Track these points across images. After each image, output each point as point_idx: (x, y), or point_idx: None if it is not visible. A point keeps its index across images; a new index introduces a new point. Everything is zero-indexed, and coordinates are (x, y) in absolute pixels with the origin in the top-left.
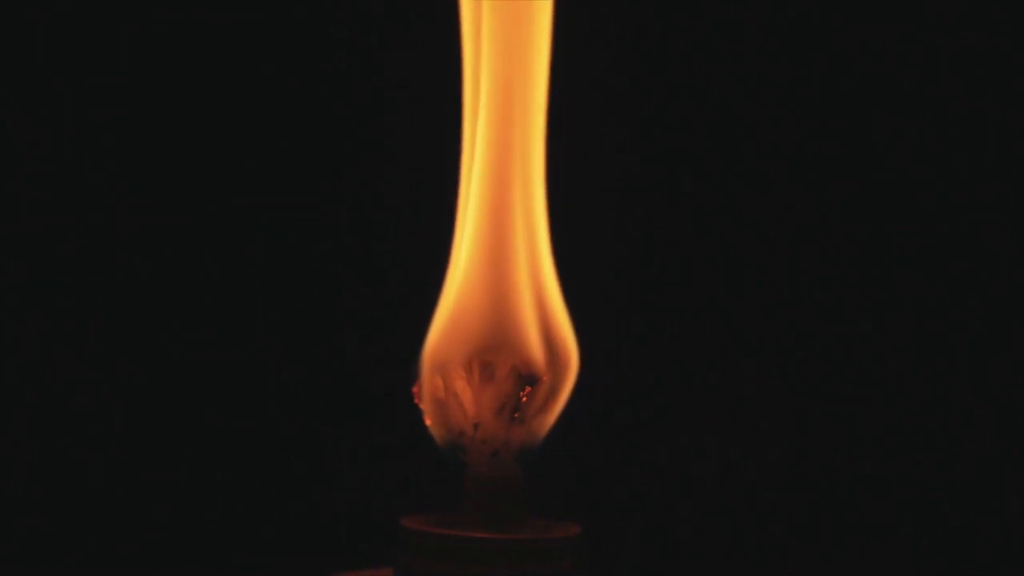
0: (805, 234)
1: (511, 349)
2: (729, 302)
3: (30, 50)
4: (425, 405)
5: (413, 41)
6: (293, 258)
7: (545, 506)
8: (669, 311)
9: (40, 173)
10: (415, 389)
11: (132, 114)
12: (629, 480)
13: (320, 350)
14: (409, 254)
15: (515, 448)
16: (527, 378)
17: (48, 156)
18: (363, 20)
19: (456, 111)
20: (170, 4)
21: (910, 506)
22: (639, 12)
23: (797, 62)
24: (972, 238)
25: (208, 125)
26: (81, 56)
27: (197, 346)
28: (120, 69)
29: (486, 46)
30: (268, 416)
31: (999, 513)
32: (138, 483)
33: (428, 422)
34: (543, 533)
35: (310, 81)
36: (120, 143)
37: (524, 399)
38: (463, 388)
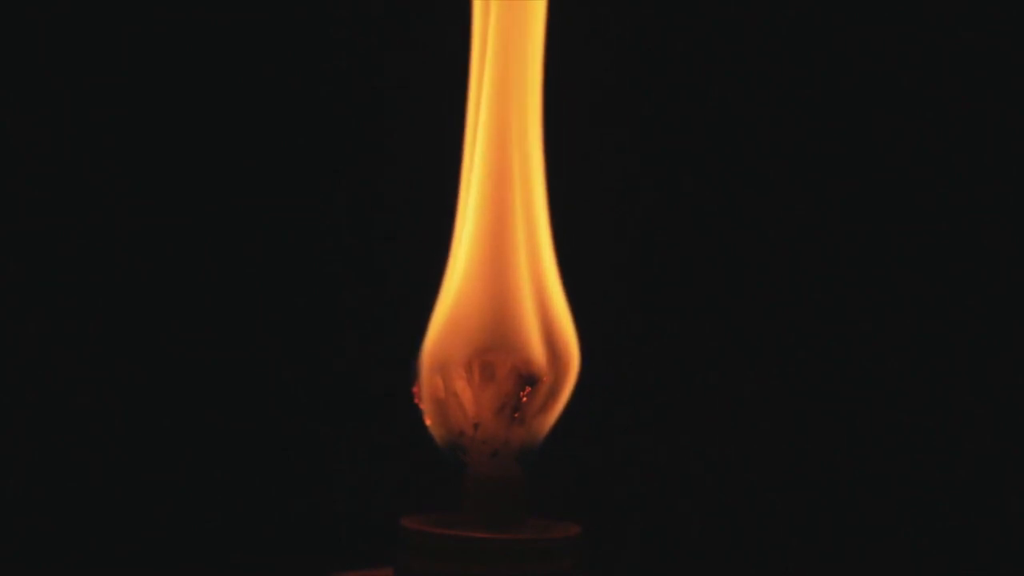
0: (805, 234)
1: (511, 349)
2: (729, 302)
3: (30, 50)
4: (425, 405)
5: (413, 41)
6: (293, 258)
7: (545, 506)
8: (669, 311)
9: (40, 173)
10: (415, 389)
11: (132, 114)
12: (629, 480)
13: (320, 350)
14: (409, 254)
15: (515, 448)
16: (527, 378)
17: (48, 156)
18: (363, 20)
19: (456, 111)
20: (170, 4)
21: (910, 506)
22: (640, 12)
23: (797, 62)
24: (972, 238)
25: (208, 125)
26: (81, 56)
27: (197, 346)
28: (120, 69)
29: (491, 46)
30: (268, 416)
31: (999, 513)
32: (138, 483)
33: (428, 422)
34: (543, 533)
35: (310, 81)
36: (120, 143)
37: (524, 399)
38: (463, 388)
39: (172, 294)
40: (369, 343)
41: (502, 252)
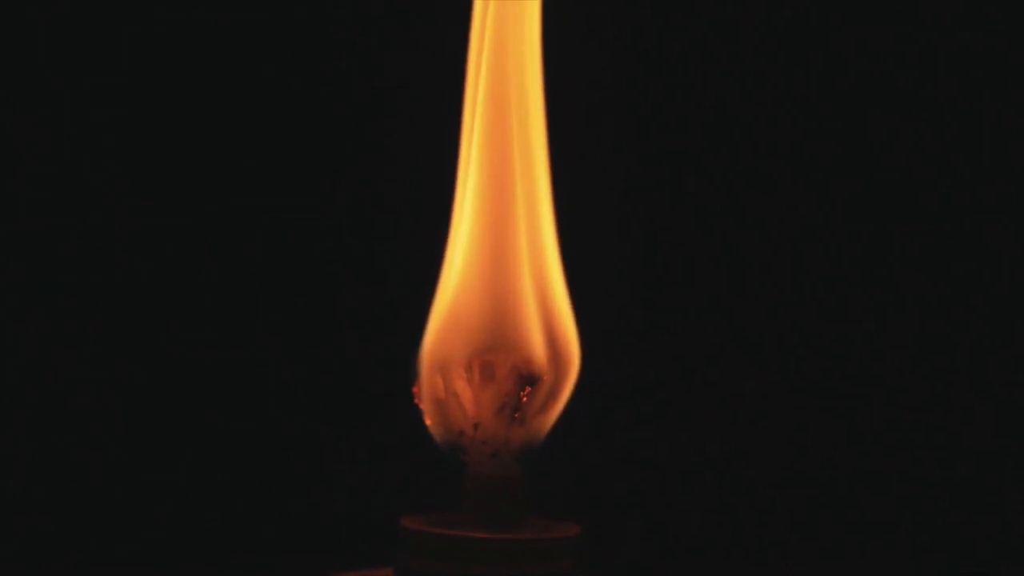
0: (807, 233)
1: (511, 348)
2: (730, 301)
3: (30, 50)
4: (425, 405)
5: (413, 41)
6: (293, 258)
7: (545, 506)
8: (670, 310)
9: (40, 173)
10: (415, 389)
11: (132, 114)
12: (629, 479)
13: (320, 350)
14: (409, 254)
15: (515, 448)
16: (527, 378)
17: (48, 156)
18: (363, 20)
19: (456, 111)
20: (170, 4)
21: (910, 505)
22: (640, 12)
23: (797, 62)
24: (974, 238)
25: (208, 125)
26: (81, 56)
27: (197, 346)
28: (120, 69)
29: (488, 45)
30: (268, 416)
31: (999, 512)
32: (138, 483)
33: (428, 422)
34: (543, 533)
35: (310, 81)
36: (120, 143)
37: (524, 399)
38: (463, 388)
39: (172, 294)
40: (369, 343)
41: (503, 251)
